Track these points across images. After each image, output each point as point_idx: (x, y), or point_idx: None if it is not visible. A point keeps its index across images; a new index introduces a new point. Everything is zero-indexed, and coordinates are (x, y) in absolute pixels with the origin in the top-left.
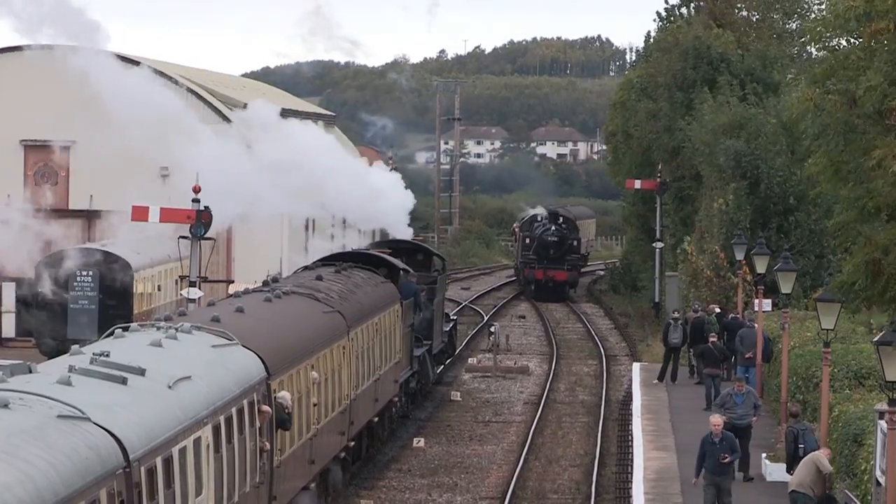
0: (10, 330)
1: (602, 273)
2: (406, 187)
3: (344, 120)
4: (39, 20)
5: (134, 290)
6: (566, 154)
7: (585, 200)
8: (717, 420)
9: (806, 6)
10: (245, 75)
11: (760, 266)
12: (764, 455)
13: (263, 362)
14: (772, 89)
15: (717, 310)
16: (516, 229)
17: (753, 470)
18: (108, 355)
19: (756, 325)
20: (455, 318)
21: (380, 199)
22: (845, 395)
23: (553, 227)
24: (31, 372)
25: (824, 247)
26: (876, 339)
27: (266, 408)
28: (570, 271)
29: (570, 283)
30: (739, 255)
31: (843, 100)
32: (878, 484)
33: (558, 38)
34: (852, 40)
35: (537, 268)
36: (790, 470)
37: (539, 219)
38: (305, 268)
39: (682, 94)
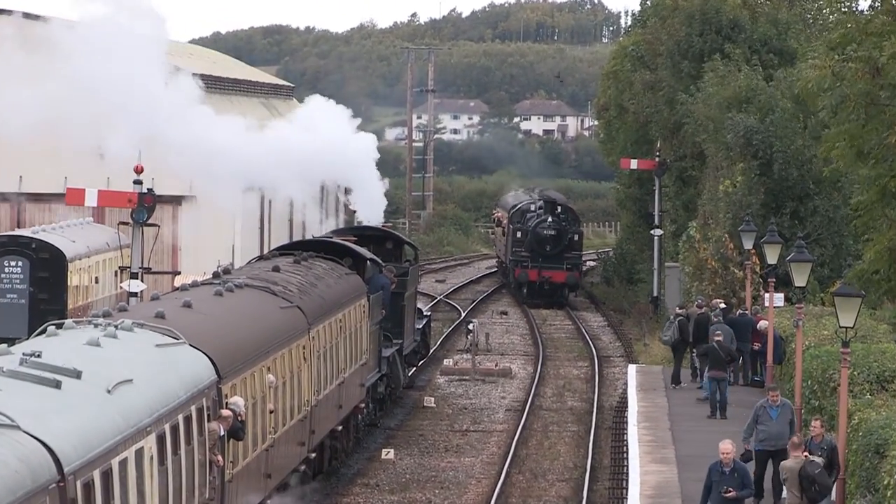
0: None
1: (593, 264)
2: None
3: (304, 91)
4: None
5: (69, 283)
6: (553, 130)
7: (573, 182)
8: (726, 447)
9: None
10: (193, 42)
11: (772, 256)
12: None
13: (214, 364)
14: (788, 60)
15: (723, 305)
16: (498, 216)
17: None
18: (39, 356)
19: (755, 319)
20: (429, 314)
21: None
22: (866, 400)
23: (550, 219)
24: None
25: (843, 235)
26: None
27: (227, 412)
28: (569, 271)
29: (570, 286)
30: (748, 244)
31: (865, 69)
32: None
33: (544, 0)
34: (874, 4)
35: (531, 267)
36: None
37: (533, 208)
38: (260, 258)
39: (688, 63)
